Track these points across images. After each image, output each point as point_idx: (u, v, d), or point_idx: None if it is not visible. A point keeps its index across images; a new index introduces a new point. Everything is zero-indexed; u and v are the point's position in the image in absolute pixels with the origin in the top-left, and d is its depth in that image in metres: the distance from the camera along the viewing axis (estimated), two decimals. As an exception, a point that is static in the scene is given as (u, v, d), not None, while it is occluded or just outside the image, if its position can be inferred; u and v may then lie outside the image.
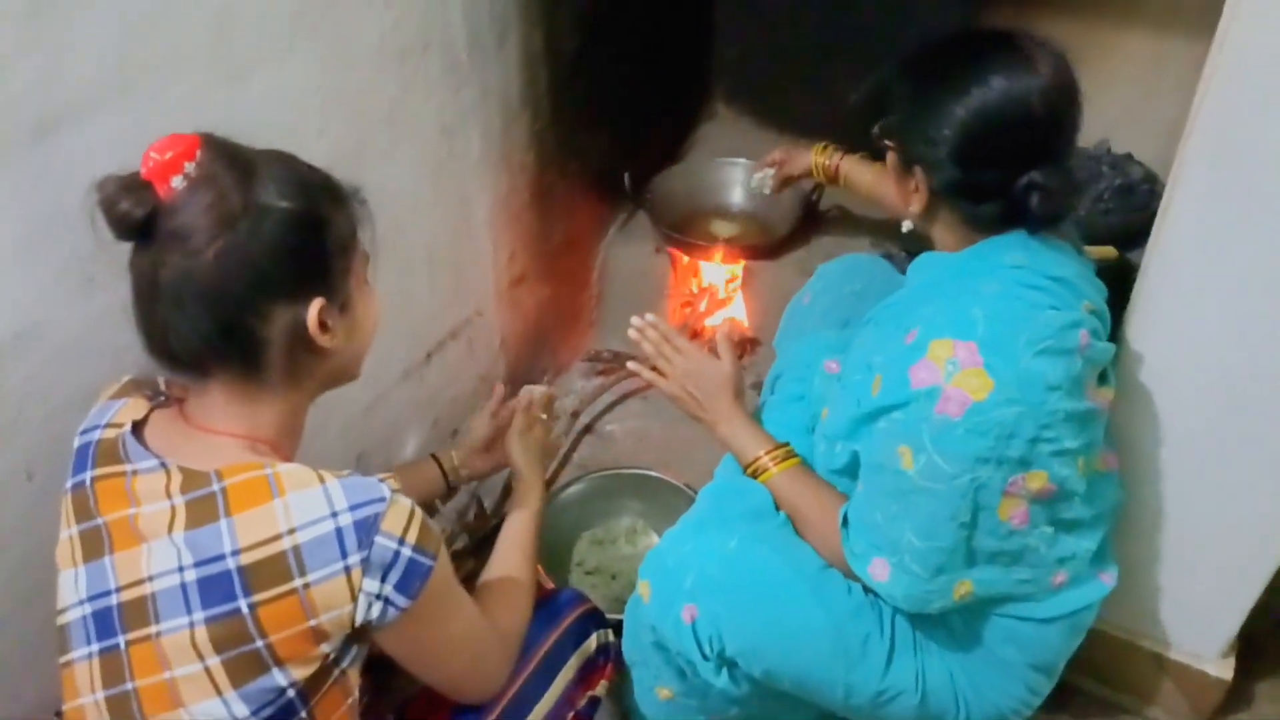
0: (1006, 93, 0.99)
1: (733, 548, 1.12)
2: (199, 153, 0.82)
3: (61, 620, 0.88)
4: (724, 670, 1.13)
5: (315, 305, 0.87)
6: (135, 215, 0.80)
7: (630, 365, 1.36)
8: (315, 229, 0.87)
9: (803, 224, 2.01)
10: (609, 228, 2.09)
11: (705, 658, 1.11)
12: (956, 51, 1.06)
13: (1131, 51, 1.84)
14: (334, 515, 0.81)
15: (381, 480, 0.85)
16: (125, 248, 0.84)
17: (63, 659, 0.88)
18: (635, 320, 1.34)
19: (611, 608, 1.57)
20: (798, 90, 2.24)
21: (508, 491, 1.79)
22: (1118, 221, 1.75)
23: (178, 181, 0.80)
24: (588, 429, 1.96)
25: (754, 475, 1.21)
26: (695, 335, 2.08)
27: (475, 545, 1.69)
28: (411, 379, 1.59)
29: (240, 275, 0.82)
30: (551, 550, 1.57)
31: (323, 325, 0.87)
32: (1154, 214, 1.74)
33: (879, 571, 1.06)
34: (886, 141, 1.12)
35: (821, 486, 1.18)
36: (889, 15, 2.01)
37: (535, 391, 1.36)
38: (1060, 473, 1.03)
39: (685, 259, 2.06)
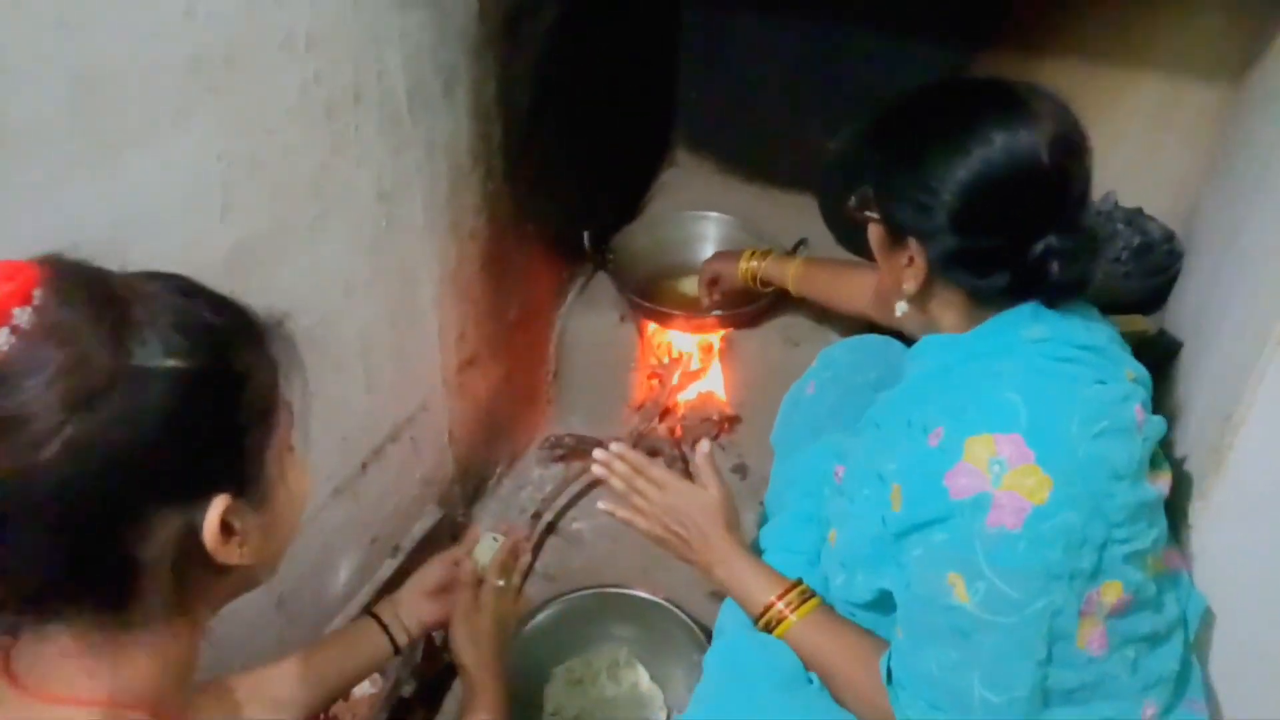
0: (1010, 148, 0.85)
1: None
2: (38, 292, 0.54)
3: None
4: None
5: (217, 507, 0.59)
6: None
7: (600, 480, 1.16)
8: (219, 396, 0.60)
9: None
10: (567, 294, 1.84)
11: None
12: (946, 103, 0.92)
13: (1138, 99, 1.69)
14: None
15: None
16: None
17: None
18: (599, 453, 1.14)
19: (597, 766, 1.31)
20: (765, 135, 2.05)
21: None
22: (1137, 285, 1.59)
23: (2, 339, 0.53)
24: (550, 528, 1.70)
25: (767, 628, 0.99)
26: (667, 413, 1.85)
27: (426, 690, 1.41)
28: (344, 495, 1.31)
29: (101, 479, 0.55)
30: (519, 696, 1.30)
31: (227, 530, 0.61)
32: (1175, 275, 1.60)
33: None
34: (868, 212, 0.97)
35: (851, 632, 0.98)
36: (865, 58, 1.84)
37: (482, 555, 1.09)
38: (1133, 579, 0.85)
39: (653, 327, 1.82)
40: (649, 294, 1.80)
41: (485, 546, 1.09)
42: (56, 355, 0.53)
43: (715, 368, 1.86)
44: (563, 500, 1.73)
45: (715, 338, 1.82)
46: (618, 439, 1.76)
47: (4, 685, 0.60)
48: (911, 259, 0.93)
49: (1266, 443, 0.97)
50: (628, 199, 2.01)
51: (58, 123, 0.78)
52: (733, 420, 1.84)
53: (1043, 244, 0.86)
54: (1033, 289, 0.89)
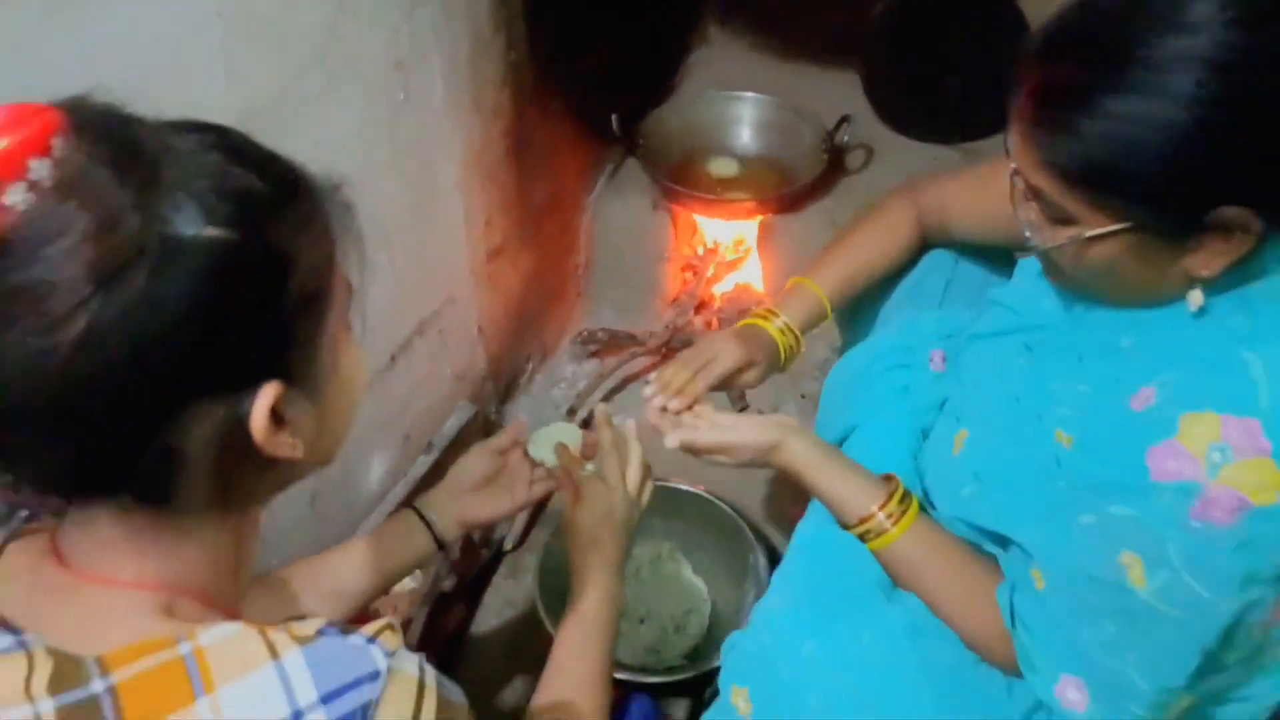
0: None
1: (867, 645, 0.83)
2: (57, 141, 0.47)
3: None
4: None
5: (265, 397, 0.52)
6: None
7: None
8: (269, 273, 0.52)
9: (829, 166, 1.69)
10: (597, 180, 1.75)
11: None
12: (1142, 26, 0.66)
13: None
14: (297, 716, 0.50)
15: (371, 639, 0.53)
16: None
17: None
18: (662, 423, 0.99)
19: (644, 659, 1.28)
20: (803, 5, 1.91)
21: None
22: None
23: (16, 194, 0.45)
24: (585, 425, 1.65)
25: (863, 538, 0.90)
26: (702, 306, 1.77)
27: (466, 588, 1.38)
28: (373, 391, 1.25)
29: (131, 366, 0.48)
30: (562, 593, 1.26)
31: (277, 421, 0.54)
32: None
33: (1072, 696, 0.77)
34: (1117, 225, 0.70)
35: (959, 554, 0.88)
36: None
37: (542, 452, 0.98)
38: None
39: (687, 217, 1.73)
40: (682, 179, 1.72)
41: (544, 436, 0.99)
42: (80, 218, 0.46)
43: (753, 257, 1.77)
44: (597, 396, 1.67)
45: (753, 224, 1.73)
46: (653, 332, 1.73)
47: (53, 566, 0.56)
48: (1208, 240, 0.69)
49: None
50: (657, 78, 1.90)
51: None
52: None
53: None
54: None
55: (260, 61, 0.91)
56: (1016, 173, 0.74)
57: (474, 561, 1.40)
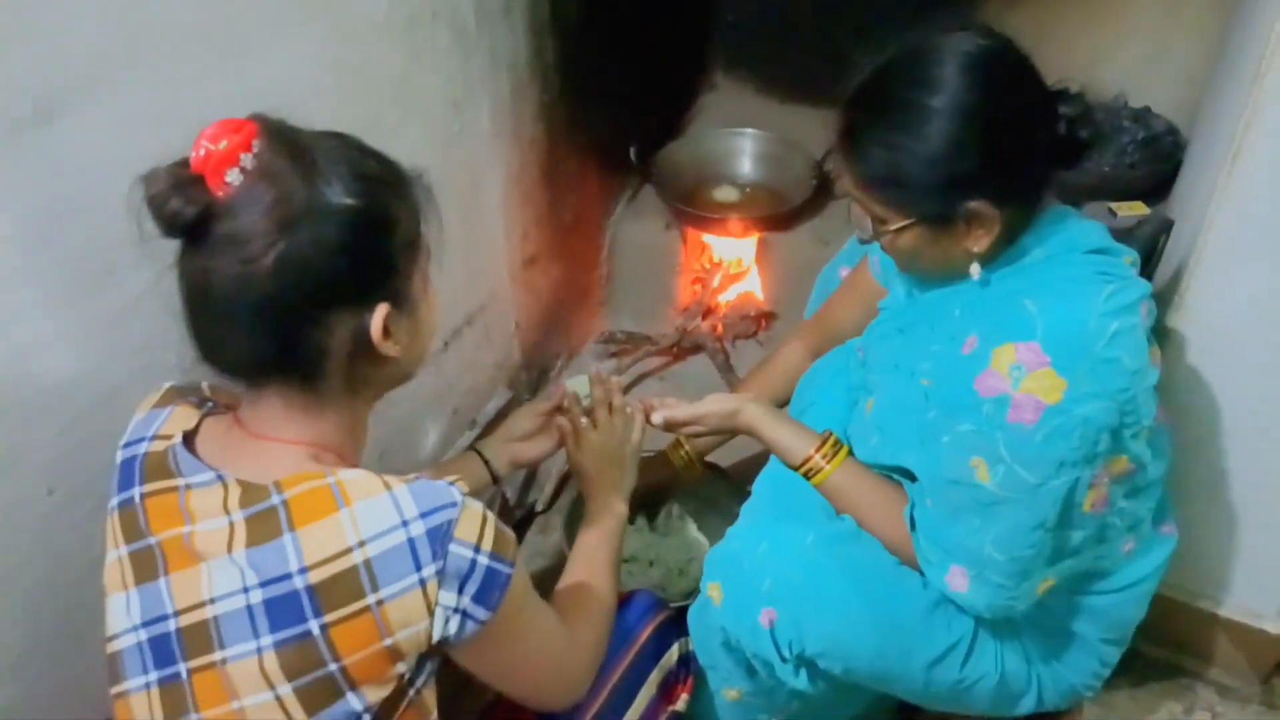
0: (986, 61, 0.91)
1: (809, 544, 1.07)
2: (256, 142, 0.73)
3: (112, 648, 0.81)
4: (802, 670, 1.08)
5: (380, 312, 0.79)
6: (187, 214, 0.72)
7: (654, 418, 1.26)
8: (382, 227, 0.79)
9: (816, 191, 1.95)
10: (617, 204, 2.02)
11: (784, 660, 1.06)
12: (900, 82, 0.94)
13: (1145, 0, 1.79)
14: (405, 525, 0.75)
15: (450, 483, 0.79)
16: (155, 238, 0.75)
17: (115, 689, 0.81)
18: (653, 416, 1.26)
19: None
20: (797, 56, 2.18)
21: (530, 482, 1.74)
22: (1143, 175, 1.71)
23: (233, 176, 0.72)
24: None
25: (806, 476, 1.15)
26: (709, 312, 2.02)
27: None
28: (430, 368, 1.52)
29: (300, 284, 0.74)
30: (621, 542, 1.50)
31: (386, 332, 0.80)
32: (1178, 165, 1.72)
33: (957, 582, 1.01)
34: (905, 221, 0.96)
35: (878, 483, 1.12)
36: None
37: (578, 386, 1.25)
38: (1136, 450, 0.98)
39: (696, 235, 1.99)
40: (691, 203, 1.97)
41: (579, 380, 1.27)
42: (270, 191, 0.73)
43: (753, 270, 2.02)
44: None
45: (752, 242, 1.99)
46: (665, 334, 1.98)
47: (236, 429, 0.82)
48: (969, 226, 0.95)
49: (1215, 282, 1.12)
50: (671, 117, 2.17)
51: (202, 27, 0.98)
52: (770, 316, 2.01)
53: (1062, 121, 0.94)
54: (1071, 163, 0.96)
55: (355, 99, 1.20)
56: (848, 196, 1.01)
57: (509, 520, 1.65)
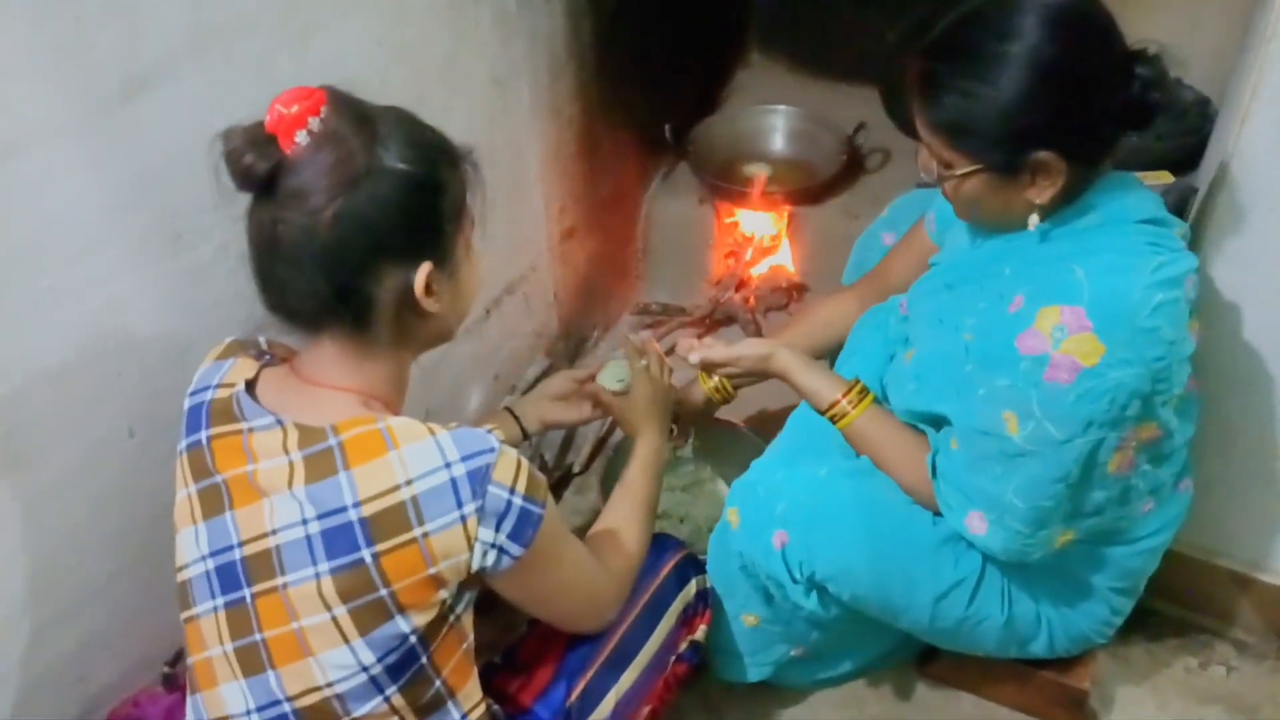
0: (1068, 14, 0.94)
1: (823, 475, 1.14)
2: (324, 109, 0.81)
3: (183, 576, 0.90)
4: (813, 593, 1.15)
5: (424, 270, 0.86)
6: (259, 169, 0.79)
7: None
8: (432, 193, 0.86)
9: (846, 166, 2.00)
10: (652, 180, 2.09)
11: (795, 581, 1.13)
12: (979, 30, 0.96)
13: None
14: (448, 466, 0.82)
15: (489, 431, 0.86)
16: (228, 197, 0.84)
17: (185, 614, 0.91)
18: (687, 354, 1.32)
19: (681, 551, 1.59)
20: (832, 35, 2.22)
21: (568, 444, 1.81)
22: (1172, 146, 1.72)
23: (301, 137, 0.80)
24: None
25: (832, 420, 1.21)
26: (742, 285, 2.08)
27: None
28: (472, 335, 1.60)
29: (358, 237, 0.82)
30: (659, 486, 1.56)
31: (429, 289, 0.87)
32: (1207, 137, 1.73)
33: (976, 525, 1.06)
34: (973, 166, 0.99)
35: (901, 430, 1.18)
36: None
37: (605, 379, 1.30)
38: (1166, 418, 1.02)
39: (728, 210, 2.05)
40: (724, 179, 2.02)
41: (607, 372, 1.31)
42: (334, 151, 0.81)
43: (784, 243, 2.08)
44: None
45: (784, 216, 2.04)
46: (699, 305, 2.05)
47: (293, 378, 0.90)
48: (1033, 177, 0.97)
49: (1226, 243, 1.16)
50: (705, 95, 2.22)
51: (266, 12, 1.06)
52: (800, 288, 2.06)
53: (1137, 82, 0.95)
54: (1141, 126, 0.97)
55: (404, 79, 1.27)
56: (921, 141, 1.05)
57: (548, 478, 1.73)
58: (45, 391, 0.96)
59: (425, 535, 0.82)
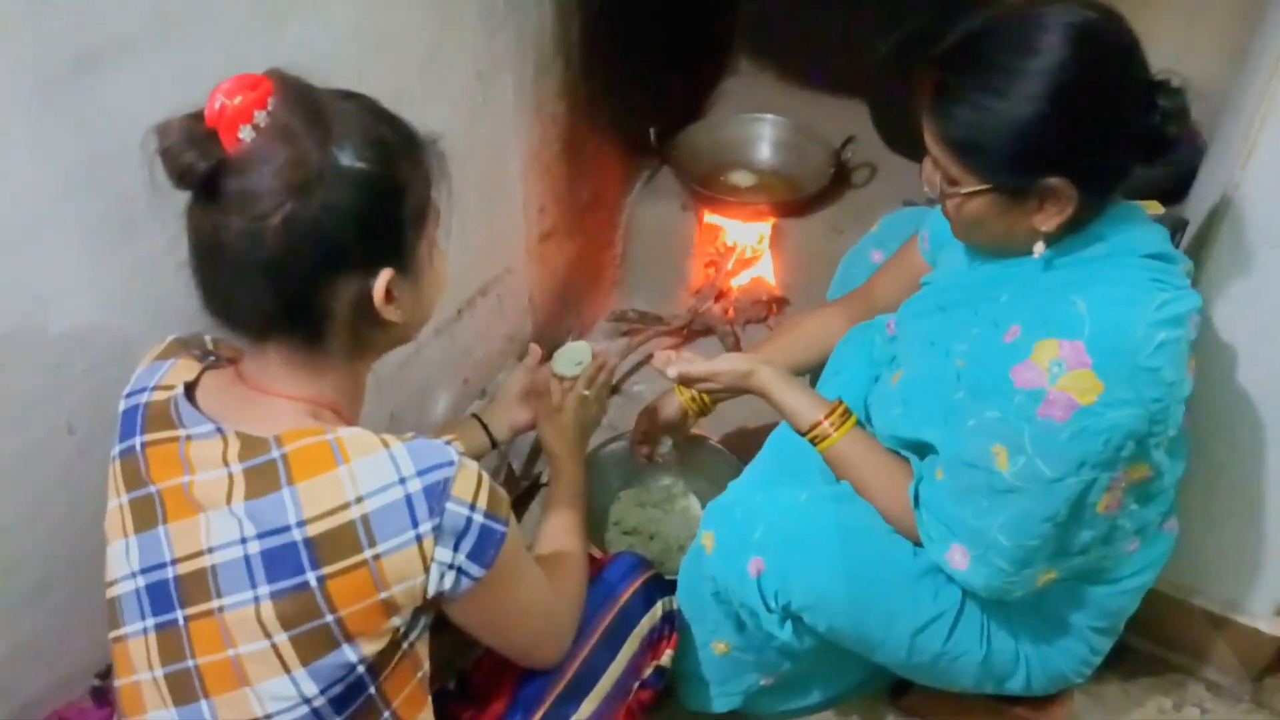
0: (1092, 34, 0.89)
1: (803, 502, 1.09)
2: (271, 100, 0.73)
3: (112, 593, 0.84)
4: (788, 623, 1.11)
5: (384, 278, 0.80)
6: (198, 169, 0.72)
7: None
8: (392, 194, 0.79)
9: (833, 180, 1.96)
10: (634, 184, 2.04)
11: (769, 610, 1.09)
12: (997, 43, 0.91)
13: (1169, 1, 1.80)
14: (402, 481, 0.76)
15: (447, 443, 0.81)
16: (170, 190, 0.77)
17: (114, 633, 0.84)
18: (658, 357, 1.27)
19: (650, 569, 1.54)
20: (822, 46, 2.19)
21: (536, 454, 1.76)
22: (1160, 175, 1.70)
23: (246, 132, 0.72)
24: (615, 390, 1.92)
25: (813, 442, 1.16)
26: (721, 295, 2.04)
27: (508, 507, 1.65)
28: (443, 335, 1.54)
29: (308, 246, 0.75)
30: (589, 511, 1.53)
31: (389, 297, 0.81)
32: (1195, 167, 1.72)
33: (957, 559, 1.03)
34: (979, 186, 0.95)
35: (884, 455, 1.14)
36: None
37: (565, 368, 1.27)
38: (1159, 459, 0.99)
39: (710, 218, 2.01)
40: (707, 187, 1.99)
41: (562, 356, 1.28)
42: (284, 150, 0.73)
43: (765, 255, 2.04)
44: (626, 366, 1.94)
45: (766, 227, 2.00)
46: (677, 315, 2.00)
47: (237, 383, 0.84)
48: (1041, 203, 0.93)
49: (1223, 280, 1.13)
50: (691, 100, 2.18)
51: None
52: (781, 302, 2.03)
53: (1158, 113, 0.90)
54: (1154, 159, 0.93)
55: (383, 69, 1.22)
56: (926, 150, 0.99)
57: (514, 488, 1.68)
58: (-22, 384, 0.89)
59: (376, 557, 0.76)
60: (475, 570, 0.80)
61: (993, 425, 0.96)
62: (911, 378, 1.13)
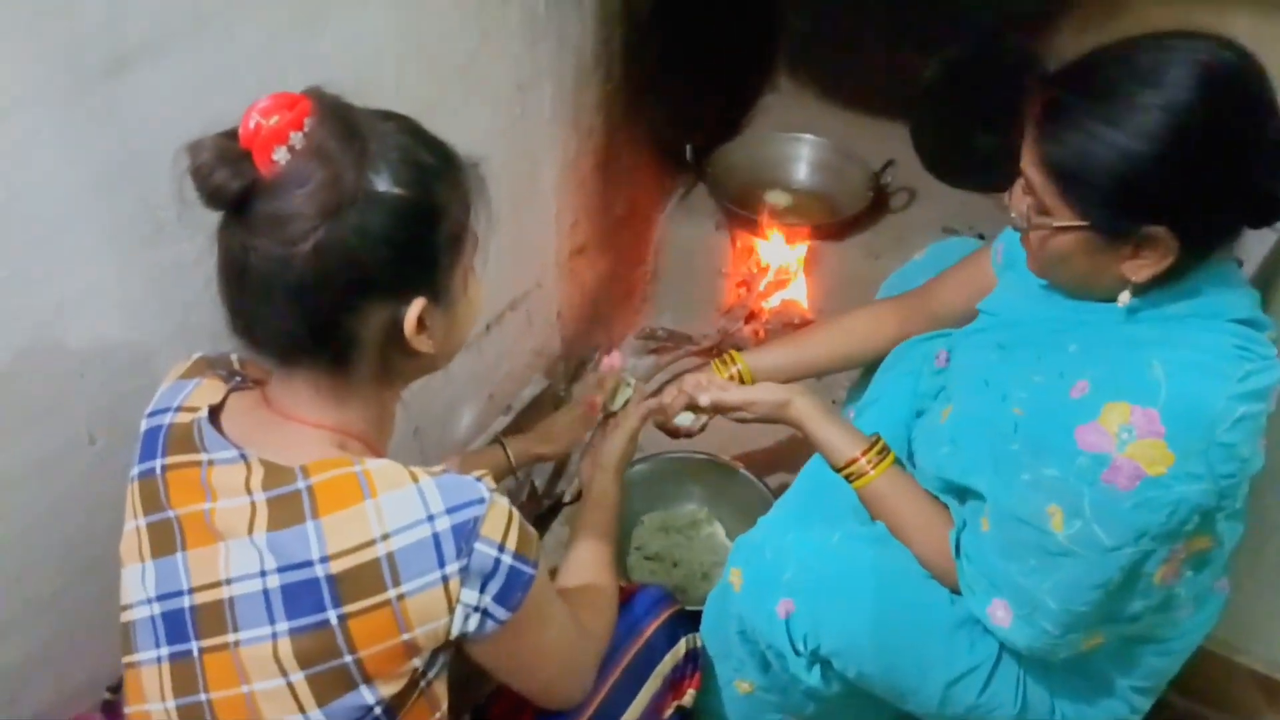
0: (1225, 75, 0.81)
1: (836, 543, 1.05)
2: (308, 121, 0.70)
3: (126, 617, 0.81)
4: (815, 667, 1.06)
5: (416, 307, 0.76)
6: (230, 189, 0.69)
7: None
8: (428, 220, 0.76)
9: (871, 204, 1.92)
10: (668, 201, 2.01)
11: (797, 653, 1.05)
12: (1122, 71, 0.84)
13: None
14: (430, 519, 0.73)
15: (478, 479, 0.77)
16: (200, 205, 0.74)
17: (127, 659, 0.81)
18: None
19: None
20: (865, 66, 2.15)
21: (558, 473, 1.73)
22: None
23: (281, 154, 0.69)
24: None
25: (849, 479, 1.12)
26: (752, 317, 2.00)
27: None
28: (470, 350, 1.51)
29: (339, 272, 0.72)
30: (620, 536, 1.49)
31: (421, 326, 0.77)
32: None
33: (1000, 615, 0.98)
34: (1074, 221, 0.88)
35: (923, 497, 1.09)
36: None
37: (615, 401, 1.27)
38: (1221, 529, 0.93)
39: (744, 238, 1.97)
40: (742, 206, 1.95)
41: (621, 394, 1.28)
42: (318, 173, 0.70)
43: (799, 278, 2.00)
44: (652, 386, 1.90)
45: (801, 249, 1.96)
46: (706, 335, 1.97)
47: (263, 408, 0.81)
48: (1137, 250, 0.87)
49: None
50: (730, 117, 2.15)
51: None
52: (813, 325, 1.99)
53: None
54: (1264, 223, 0.86)
55: (421, 77, 1.19)
56: (1021, 172, 0.93)
57: (535, 509, 1.64)
58: (-2, 385, 0.87)
59: (400, 597, 0.72)
60: (501, 613, 0.77)
61: (1050, 484, 0.90)
62: (962, 417, 1.08)
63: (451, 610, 0.74)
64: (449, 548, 0.73)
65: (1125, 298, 0.91)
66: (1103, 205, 0.86)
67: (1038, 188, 0.90)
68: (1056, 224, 0.89)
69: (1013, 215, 0.95)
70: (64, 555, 0.99)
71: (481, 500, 0.75)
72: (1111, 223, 0.87)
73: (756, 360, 1.35)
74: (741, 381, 1.33)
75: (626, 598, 1.09)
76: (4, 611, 0.96)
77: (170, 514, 0.77)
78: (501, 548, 0.75)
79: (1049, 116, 0.88)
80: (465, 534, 0.73)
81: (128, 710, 0.81)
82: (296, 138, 0.70)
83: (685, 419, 1.32)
